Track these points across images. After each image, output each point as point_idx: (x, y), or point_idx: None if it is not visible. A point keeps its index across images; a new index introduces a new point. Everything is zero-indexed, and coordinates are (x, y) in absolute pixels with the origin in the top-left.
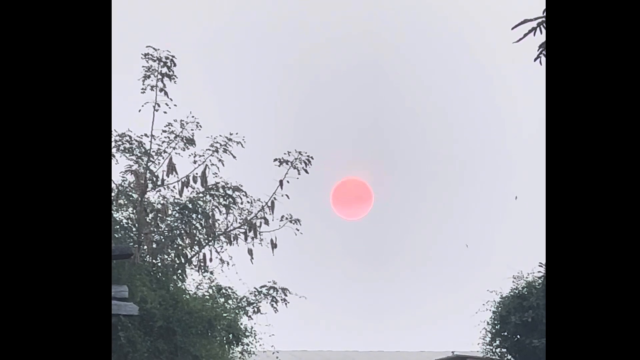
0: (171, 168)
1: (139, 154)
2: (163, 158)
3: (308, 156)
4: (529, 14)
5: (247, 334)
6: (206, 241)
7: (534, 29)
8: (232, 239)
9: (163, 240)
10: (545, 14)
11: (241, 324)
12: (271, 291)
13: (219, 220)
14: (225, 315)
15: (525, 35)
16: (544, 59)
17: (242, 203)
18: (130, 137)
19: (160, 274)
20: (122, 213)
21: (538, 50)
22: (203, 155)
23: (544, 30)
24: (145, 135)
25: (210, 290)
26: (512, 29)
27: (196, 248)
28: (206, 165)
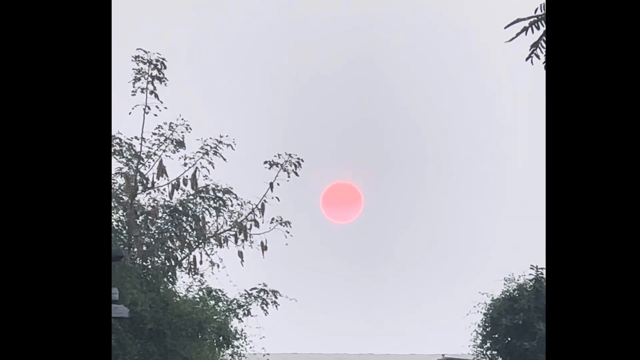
0: (161, 171)
1: (129, 157)
2: (153, 160)
3: (298, 159)
4: (521, 14)
5: (237, 336)
6: (196, 243)
7: (526, 29)
8: (222, 242)
9: (153, 242)
10: (537, 14)
11: (231, 326)
12: (261, 293)
13: (209, 222)
14: (215, 317)
15: (518, 34)
16: (535, 59)
17: (232, 205)
18: (120, 139)
19: (150, 277)
20: (112, 215)
21: (530, 49)
22: (193, 158)
23: (536, 30)
24: (136, 137)
25: (201, 293)
26: (505, 28)
27: (186, 250)
28: (196, 167)
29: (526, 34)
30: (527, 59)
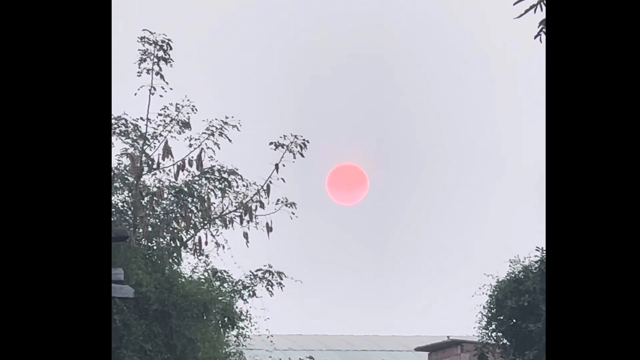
0: (167, 151)
1: (135, 137)
2: (159, 141)
3: (304, 140)
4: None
5: (242, 317)
6: (202, 224)
7: (534, 6)
8: (227, 223)
9: (158, 223)
10: None
11: (236, 307)
12: (267, 275)
13: (214, 203)
14: (220, 298)
15: (526, 11)
16: (544, 37)
17: (237, 186)
18: (126, 120)
19: (155, 257)
20: (117, 196)
21: (538, 27)
22: (199, 139)
23: (544, 7)
24: (141, 118)
25: (206, 274)
26: (514, 4)
27: (192, 231)
28: (202, 148)
29: (535, 11)
30: (535, 37)
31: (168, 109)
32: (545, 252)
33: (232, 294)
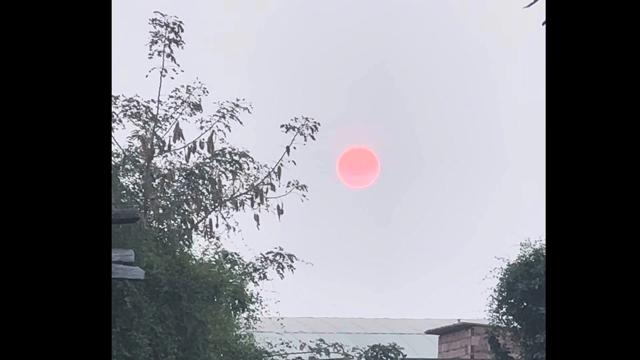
0: (178, 134)
1: (146, 120)
2: (170, 123)
3: (315, 122)
4: None
5: (253, 300)
6: (212, 207)
7: None
8: (238, 205)
9: (169, 205)
10: None
11: (247, 290)
12: (277, 257)
13: (225, 186)
14: (231, 281)
15: (536, 0)
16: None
17: (248, 169)
18: (137, 102)
19: (166, 240)
20: (128, 178)
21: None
22: (210, 121)
23: None
24: (153, 100)
25: (217, 256)
26: None
27: (202, 214)
28: (213, 130)
29: None
30: (543, 24)
31: (179, 91)
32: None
33: (243, 277)
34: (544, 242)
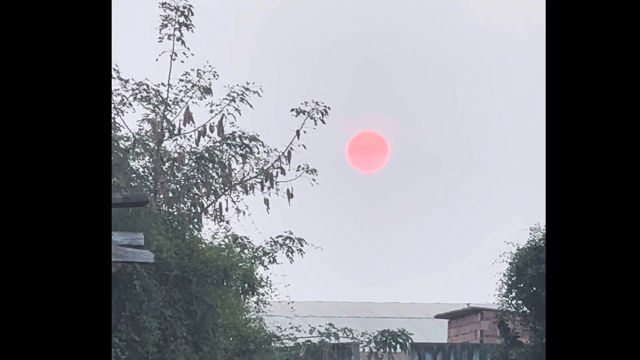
0: (188, 117)
1: (156, 103)
2: (180, 107)
3: (325, 106)
4: None
5: (262, 284)
6: (222, 190)
7: None
8: (248, 189)
9: (179, 189)
10: None
11: (257, 273)
12: (287, 241)
13: (235, 169)
14: (241, 265)
15: None
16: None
17: (258, 153)
18: (147, 85)
19: (176, 223)
20: (138, 162)
21: None
22: (220, 105)
23: None
24: (163, 84)
25: (226, 240)
26: None
27: (212, 197)
28: (223, 114)
29: None
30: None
31: (189, 75)
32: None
33: (253, 260)
34: None
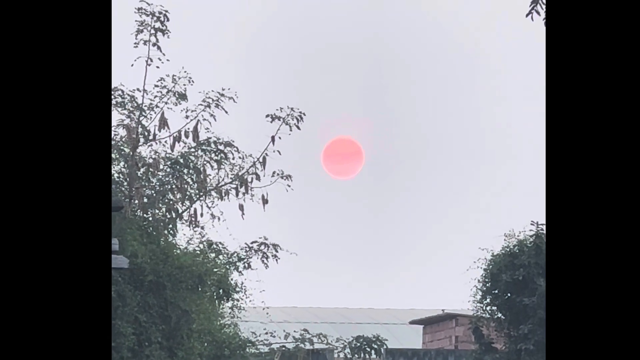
0: (163, 123)
1: (131, 109)
2: (155, 113)
3: (300, 112)
4: None
5: (237, 289)
6: (197, 196)
7: None
8: (223, 194)
9: (154, 194)
10: None
11: (232, 279)
12: (262, 247)
13: (210, 175)
14: (215, 270)
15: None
16: (535, 15)
17: (233, 158)
18: (122, 91)
19: (151, 229)
20: (113, 167)
21: (530, 5)
22: (195, 110)
23: None
24: (138, 89)
25: (201, 246)
26: None
27: (187, 203)
28: (198, 120)
29: None
30: (527, 15)
31: (164, 81)
32: (544, 224)
33: (228, 266)
34: (528, 233)
